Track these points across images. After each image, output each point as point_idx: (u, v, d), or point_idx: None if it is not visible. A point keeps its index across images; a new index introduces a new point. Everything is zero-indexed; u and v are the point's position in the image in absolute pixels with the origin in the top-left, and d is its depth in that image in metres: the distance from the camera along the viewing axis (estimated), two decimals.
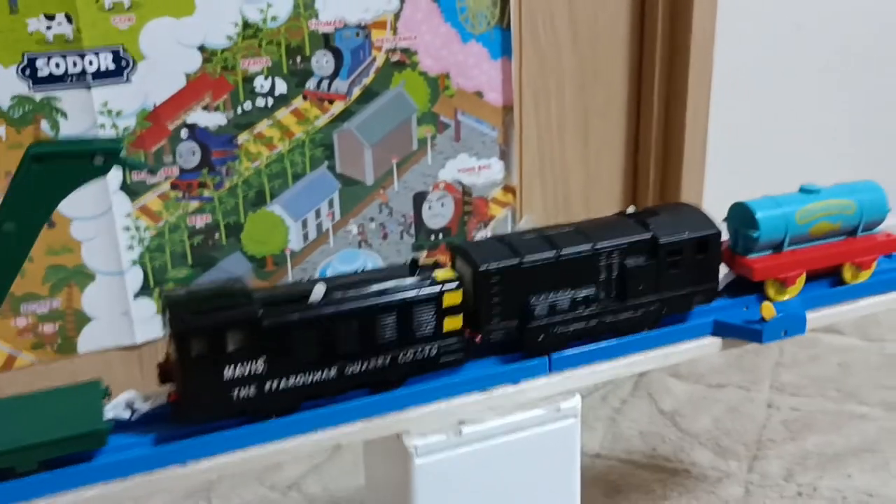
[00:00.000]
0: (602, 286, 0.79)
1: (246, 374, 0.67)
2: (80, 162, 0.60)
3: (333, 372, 0.70)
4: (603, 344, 0.79)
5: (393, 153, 1.34)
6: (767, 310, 0.81)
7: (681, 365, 1.46)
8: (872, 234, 0.94)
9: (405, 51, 1.30)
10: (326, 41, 1.25)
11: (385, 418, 0.71)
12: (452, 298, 0.73)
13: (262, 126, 1.25)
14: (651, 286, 0.81)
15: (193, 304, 0.67)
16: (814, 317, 0.86)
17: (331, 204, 1.33)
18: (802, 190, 0.92)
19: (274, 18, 1.21)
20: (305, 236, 1.33)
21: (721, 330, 0.83)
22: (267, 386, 0.68)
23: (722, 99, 1.54)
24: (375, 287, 0.72)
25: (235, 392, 0.67)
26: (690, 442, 1.26)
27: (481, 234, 1.47)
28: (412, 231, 1.40)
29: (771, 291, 0.88)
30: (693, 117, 1.50)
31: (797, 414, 1.33)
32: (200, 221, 1.25)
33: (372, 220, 1.36)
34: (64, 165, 0.60)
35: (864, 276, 0.92)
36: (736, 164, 1.61)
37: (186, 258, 1.25)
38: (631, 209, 0.86)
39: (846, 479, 1.17)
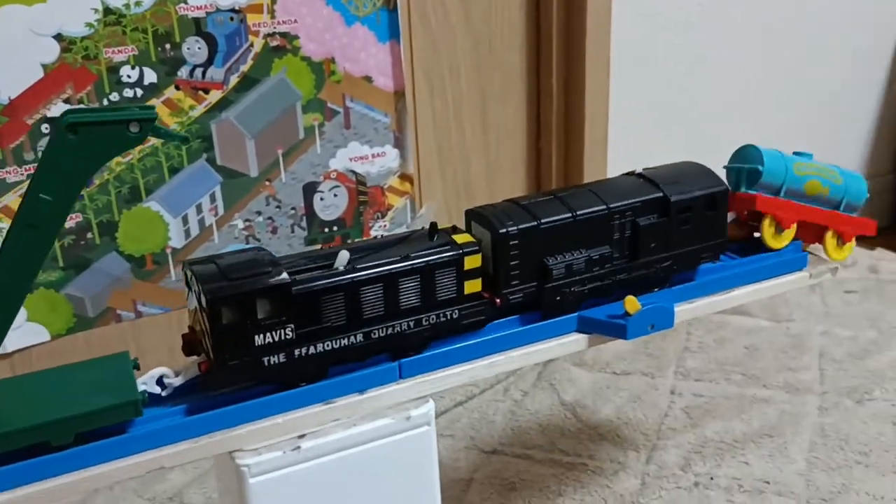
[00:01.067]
0: (615, 245, 0.81)
1: (276, 340, 0.67)
2: (116, 130, 0.59)
3: (360, 337, 0.71)
4: (458, 345, 0.75)
5: (278, 143, 1.28)
6: (631, 304, 0.77)
7: (587, 353, 1.43)
8: (853, 216, 0.99)
9: (285, 35, 1.24)
10: (198, 27, 1.18)
11: (214, 437, 0.66)
12: (472, 262, 0.75)
13: None
14: (662, 244, 0.83)
15: (221, 272, 0.67)
16: (682, 309, 0.83)
17: (213, 198, 1.26)
18: (795, 153, 0.97)
19: (138, 3, 1.13)
20: (187, 233, 1.26)
21: (586, 326, 0.79)
22: (296, 352, 0.68)
23: (622, 79, 1.50)
24: (397, 251, 0.73)
25: (266, 359, 0.67)
26: (590, 433, 1.23)
27: (379, 225, 1.41)
28: (304, 224, 1.34)
29: (767, 232, 0.91)
30: (593, 99, 1.47)
31: (700, 400, 1.31)
32: (70, 221, 1.18)
33: (259, 213, 1.30)
34: (100, 134, 0.59)
35: (846, 250, 0.98)
36: (639, 146, 1.57)
37: (58, 260, 1.18)
38: (638, 169, 0.88)
39: (744, 467, 1.15)
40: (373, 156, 1.37)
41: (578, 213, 0.79)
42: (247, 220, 1.29)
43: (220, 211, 1.27)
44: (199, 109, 1.21)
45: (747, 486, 1.11)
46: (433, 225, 0.77)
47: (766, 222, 0.91)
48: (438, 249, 0.74)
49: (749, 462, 1.16)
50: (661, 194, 0.83)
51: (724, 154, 0.98)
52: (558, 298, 0.79)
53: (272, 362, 0.68)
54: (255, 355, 0.67)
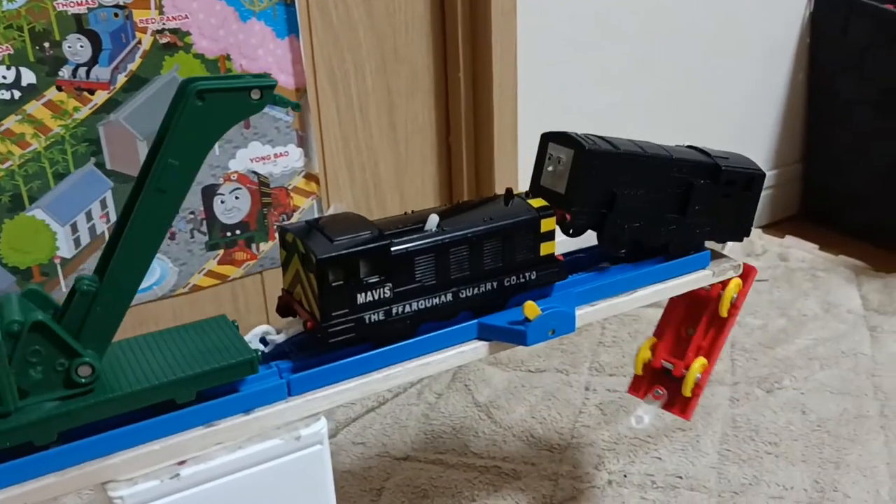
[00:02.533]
0: (669, 199, 0.86)
1: (375, 299, 0.70)
2: (240, 97, 0.61)
3: (448, 296, 0.74)
4: (351, 358, 0.71)
5: None
6: (531, 309, 0.74)
7: (502, 352, 1.41)
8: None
9: (175, 32, 1.18)
10: (79, 24, 1.11)
11: (83, 468, 0.61)
12: (548, 224, 0.78)
13: (10, 122, 1.10)
14: (706, 209, 0.88)
15: (325, 235, 0.69)
16: (584, 312, 0.81)
17: (104, 204, 1.20)
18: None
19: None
20: (77, 241, 1.19)
21: (485, 333, 0.76)
22: (393, 310, 0.72)
23: (530, 72, 1.49)
24: (480, 215, 0.76)
25: (367, 316, 0.70)
26: (504, 435, 1.21)
27: None
28: (204, 228, 1.29)
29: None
30: (501, 92, 1.44)
31: (614, 396, 1.30)
32: None
33: None
34: (225, 101, 0.61)
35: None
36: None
37: None
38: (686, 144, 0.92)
39: (657, 462, 1.15)
40: (275, 156, 1.32)
41: (648, 151, 0.83)
42: None
43: (112, 217, 1.21)
44: (85, 111, 1.14)
45: (660, 482, 1.11)
46: (509, 190, 0.81)
47: (736, 283, 0.93)
48: (517, 212, 0.78)
49: (662, 457, 1.16)
50: (712, 161, 0.88)
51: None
52: (615, 234, 0.83)
53: (372, 320, 0.71)
54: (357, 313, 0.70)
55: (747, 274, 0.95)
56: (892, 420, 1.22)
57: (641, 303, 0.85)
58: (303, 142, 1.34)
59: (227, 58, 1.23)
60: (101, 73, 1.14)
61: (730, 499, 1.08)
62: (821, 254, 1.78)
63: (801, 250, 1.78)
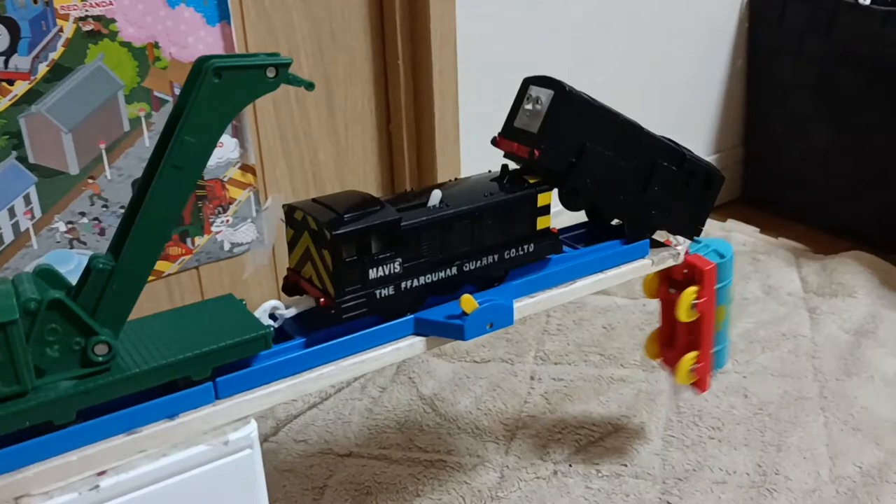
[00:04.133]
0: (634, 173, 0.87)
1: (386, 274, 0.72)
2: (256, 75, 0.62)
3: (453, 270, 0.77)
4: (282, 358, 0.68)
5: (100, 136, 1.18)
6: (468, 303, 0.73)
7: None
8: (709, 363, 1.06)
9: (99, 19, 1.13)
10: None
11: None
12: (545, 199, 0.81)
13: None
14: (664, 191, 0.89)
15: (335, 212, 0.70)
16: (523, 304, 0.79)
17: (28, 200, 1.15)
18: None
19: None
20: (0, 239, 1.14)
21: (422, 328, 0.74)
22: (402, 285, 0.74)
23: (470, 59, 1.46)
24: (480, 191, 0.79)
25: (378, 291, 0.72)
26: (449, 427, 1.20)
27: (221, 220, 1.33)
28: None
29: (686, 300, 0.97)
30: (441, 79, 1.42)
31: (559, 384, 1.29)
32: None
33: (83, 214, 1.19)
34: (242, 78, 0.62)
35: (689, 379, 1.04)
36: (493, 125, 1.54)
37: None
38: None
39: (602, 451, 1.14)
40: None
41: (621, 116, 0.86)
42: (69, 223, 1.18)
43: (38, 213, 1.16)
44: (4, 103, 1.09)
45: (605, 470, 1.10)
46: (504, 167, 0.84)
47: (691, 290, 0.96)
48: (515, 187, 0.80)
49: (607, 445, 1.15)
50: (678, 148, 0.90)
51: None
52: (578, 189, 0.83)
53: (382, 294, 0.73)
54: (368, 288, 0.72)
55: (703, 274, 0.96)
56: (832, 401, 1.23)
57: (580, 294, 0.84)
58: (237, 132, 1.30)
59: (156, 45, 1.18)
60: (20, 62, 1.09)
61: (674, 485, 1.08)
62: (761, 237, 1.80)
63: (742, 234, 1.80)
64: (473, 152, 1.51)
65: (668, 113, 1.87)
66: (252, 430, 0.66)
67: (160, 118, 1.22)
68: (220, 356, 0.65)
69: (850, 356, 1.34)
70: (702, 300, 0.97)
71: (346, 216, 0.70)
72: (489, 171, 0.86)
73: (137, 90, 1.19)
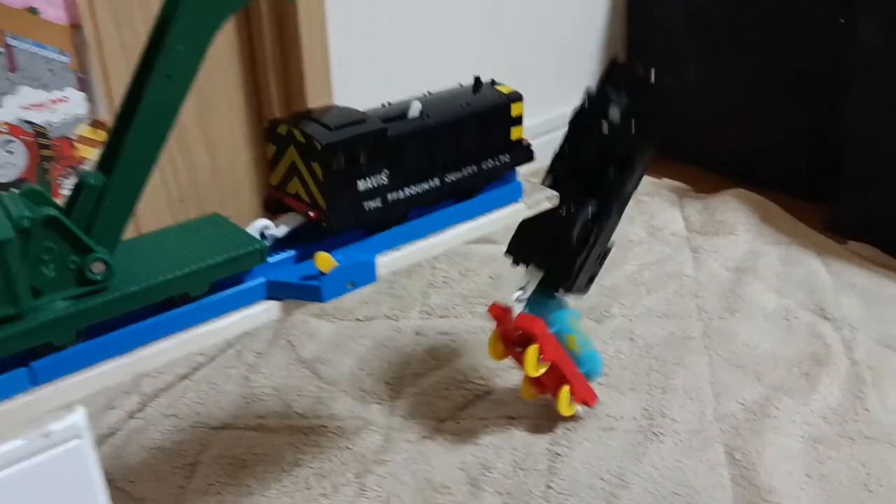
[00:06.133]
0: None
1: (374, 186, 0.73)
2: None
3: (436, 181, 0.78)
4: (114, 334, 0.61)
5: None
6: (324, 261, 0.66)
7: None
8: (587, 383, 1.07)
9: None
10: None
11: None
12: (517, 109, 0.82)
13: None
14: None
15: (323, 125, 0.70)
16: (389, 259, 0.74)
17: None
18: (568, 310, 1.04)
19: None
20: None
21: (276, 291, 0.68)
22: (389, 197, 0.74)
23: (340, 3, 1.38)
24: (456, 102, 0.80)
25: (366, 203, 0.73)
26: (330, 391, 1.14)
27: (71, 183, 1.22)
28: None
29: (532, 358, 0.96)
30: (308, 25, 1.33)
31: (445, 339, 1.25)
32: None
33: None
34: None
35: (572, 409, 1.06)
36: (363, 60, 1.47)
37: None
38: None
39: (490, 404, 1.11)
40: (52, 102, 1.17)
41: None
42: None
43: None
44: None
45: (493, 424, 1.07)
46: (477, 79, 0.84)
47: (532, 349, 0.96)
48: (490, 98, 0.81)
49: (494, 399, 1.12)
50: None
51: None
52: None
53: (371, 207, 0.73)
54: (358, 200, 0.72)
55: (534, 334, 0.97)
56: (715, 340, 1.23)
57: (451, 244, 0.79)
58: (84, 85, 1.19)
59: None
60: None
61: (562, 435, 1.05)
62: (645, 178, 1.78)
63: None
64: (345, 89, 1.43)
65: (548, 56, 1.82)
66: (79, 418, 0.58)
67: None
68: (217, 271, 0.65)
69: (731, 293, 1.34)
70: (545, 354, 0.98)
71: (333, 128, 0.70)
72: (460, 85, 0.86)
73: None
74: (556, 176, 0.97)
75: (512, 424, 1.07)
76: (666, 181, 1.77)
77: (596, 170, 0.96)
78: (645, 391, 1.13)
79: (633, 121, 0.96)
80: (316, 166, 0.69)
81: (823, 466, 1.00)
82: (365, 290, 1.36)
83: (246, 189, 1.45)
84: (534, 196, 0.86)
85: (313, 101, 1.39)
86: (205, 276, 0.65)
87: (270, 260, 0.69)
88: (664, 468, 1.00)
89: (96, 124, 1.22)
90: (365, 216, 0.73)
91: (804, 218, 1.59)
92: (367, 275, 0.70)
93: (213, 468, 1.01)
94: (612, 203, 0.97)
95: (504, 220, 0.83)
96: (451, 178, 0.79)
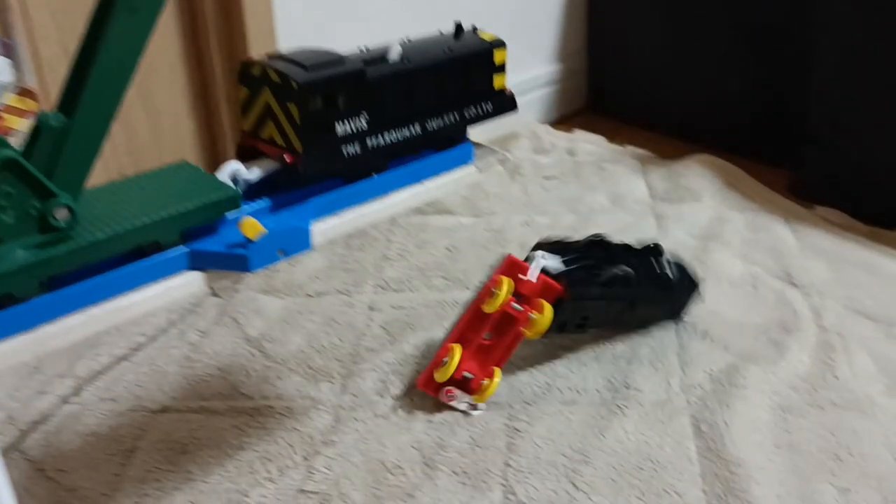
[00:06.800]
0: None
1: (353, 130, 0.71)
2: None
3: (417, 128, 0.76)
4: (11, 311, 0.55)
5: None
6: (251, 227, 0.60)
7: (277, 277, 1.27)
8: None
9: None
10: None
11: None
12: (500, 56, 0.81)
13: None
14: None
15: (299, 65, 0.67)
16: (327, 226, 0.68)
17: None
18: None
19: None
20: None
21: (199, 261, 0.62)
22: (368, 143, 0.73)
23: None
24: (437, 47, 0.77)
25: (344, 148, 0.71)
26: (278, 370, 1.08)
27: None
28: None
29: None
30: None
31: (400, 313, 1.19)
32: None
33: None
34: None
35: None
36: (314, 19, 1.40)
37: None
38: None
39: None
40: None
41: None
42: None
43: None
44: None
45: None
46: (458, 25, 0.82)
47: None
48: (472, 44, 0.79)
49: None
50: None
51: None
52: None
53: (349, 152, 0.72)
54: (336, 144, 0.70)
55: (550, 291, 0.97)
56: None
57: (397, 209, 0.74)
58: (9, 50, 1.11)
59: None
60: None
61: (521, 410, 1.01)
62: (608, 146, 1.74)
63: (588, 143, 1.73)
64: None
65: (503, 18, 1.76)
66: None
67: None
68: (189, 218, 0.62)
69: (697, 260, 1.30)
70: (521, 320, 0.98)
71: (310, 67, 0.67)
72: (440, 32, 0.84)
73: None
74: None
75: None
76: (629, 149, 1.72)
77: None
78: (609, 362, 1.08)
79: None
80: (292, 107, 0.67)
81: (792, 436, 0.96)
82: (316, 265, 1.30)
83: (189, 159, 1.38)
84: (486, 159, 0.81)
85: (257, 48, 1.32)
86: (176, 224, 0.62)
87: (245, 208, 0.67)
88: (628, 442, 0.96)
89: (25, 93, 1.14)
90: (343, 162, 0.71)
91: (769, 183, 1.56)
92: (300, 242, 0.64)
93: (152, 454, 0.95)
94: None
95: (454, 184, 0.78)
96: (432, 125, 0.77)
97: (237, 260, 0.61)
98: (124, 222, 0.60)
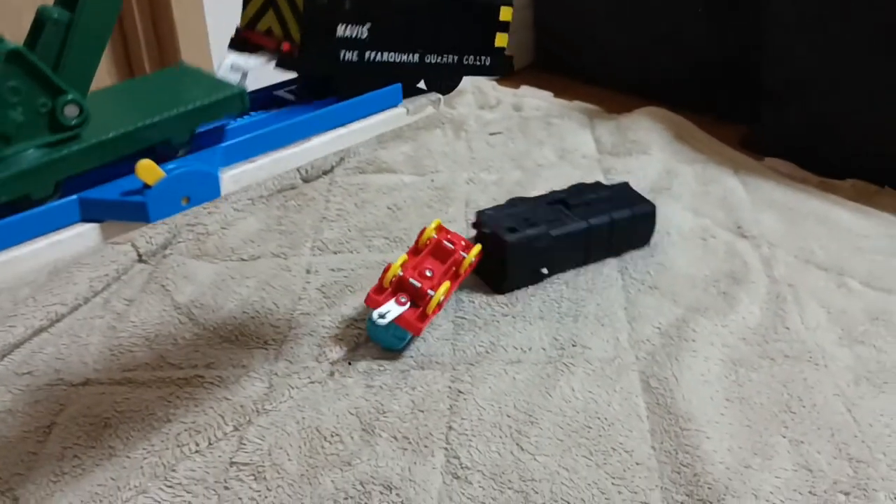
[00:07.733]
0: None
1: (353, 36, 0.70)
2: None
3: (415, 57, 0.75)
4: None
5: None
6: (148, 171, 0.54)
7: (209, 240, 1.21)
8: None
9: None
10: None
11: None
12: (506, 14, 0.81)
13: None
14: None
15: None
16: (239, 172, 0.62)
17: None
18: None
19: None
20: None
21: (92, 211, 0.55)
22: (366, 54, 0.72)
23: None
24: None
25: (342, 52, 0.70)
26: (209, 338, 1.02)
27: None
28: None
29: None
30: None
31: (338, 275, 1.14)
32: None
33: None
34: None
35: None
36: None
37: None
38: None
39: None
40: None
41: None
42: None
43: None
44: None
45: (389, 365, 0.97)
46: None
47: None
48: None
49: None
50: None
51: None
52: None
53: (346, 58, 0.70)
54: (335, 45, 0.69)
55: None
56: (629, 262, 1.16)
57: (318, 154, 0.68)
58: None
59: None
60: None
61: (465, 371, 0.96)
62: (556, 101, 1.69)
63: (535, 98, 1.68)
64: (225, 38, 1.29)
65: None
66: None
67: None
68: (200, 115, 0.61)
69: None
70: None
71: None
72: None
73: None
74: None
75: (410, 364, 0.98)
76: (577, 103, 1.67)
77: None
78: (555, 320, 1.05)
79: None
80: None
81: (743, 389, 0.94)
82: (250, 227, 1.24)
83: None
84: (417, 101, 0.75)
85: (184, 35, 1.25)
86: (187, 122, 0.61)
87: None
88: (575, 401, 0.92)
89: None
90: (339, 65, 0.70)
91: (721, 137, 1.52)
92: (207, 189, 0.58)
93: (72, 429, 0.89)
94: None
95: (381, 126, 0.72)
96: (430, 59, 0.77)
97: (134, 208, 0.55)
98: (135, 121, 0.58)
